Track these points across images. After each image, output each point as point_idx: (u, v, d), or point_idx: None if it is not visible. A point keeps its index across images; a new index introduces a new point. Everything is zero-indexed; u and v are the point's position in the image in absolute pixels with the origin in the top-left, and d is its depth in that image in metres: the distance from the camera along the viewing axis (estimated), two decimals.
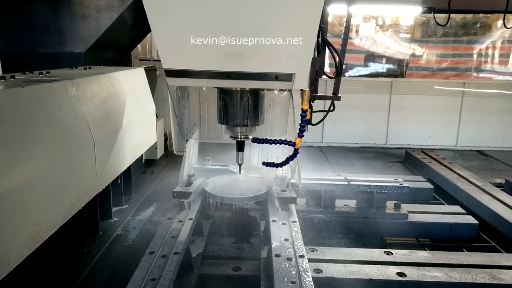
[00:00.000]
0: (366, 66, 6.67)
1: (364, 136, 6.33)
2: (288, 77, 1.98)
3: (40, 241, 1.69)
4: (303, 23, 1.81)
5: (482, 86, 6.30)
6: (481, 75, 6.67)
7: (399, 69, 6.70)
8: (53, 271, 2.32)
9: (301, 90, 2.12)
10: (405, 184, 3.13)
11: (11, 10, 3.56)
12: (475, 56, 6.66)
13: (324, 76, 2.39)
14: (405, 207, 3.23)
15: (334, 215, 3.09)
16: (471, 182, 3.99)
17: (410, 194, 3.32)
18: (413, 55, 6.55)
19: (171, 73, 1.97)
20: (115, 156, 2.63)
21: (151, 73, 4.53)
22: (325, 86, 3.29)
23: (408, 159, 5.31)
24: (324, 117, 2.50)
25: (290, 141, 2.25)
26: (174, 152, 2.38)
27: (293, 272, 1.86)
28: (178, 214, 2.47)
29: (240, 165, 2.69)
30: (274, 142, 2.27)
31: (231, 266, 2.31)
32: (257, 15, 1.84)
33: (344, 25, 2.26)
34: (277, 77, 1.99)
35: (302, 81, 2.04)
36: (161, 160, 4.87)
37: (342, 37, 2.31)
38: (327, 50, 2.26)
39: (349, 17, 2.22)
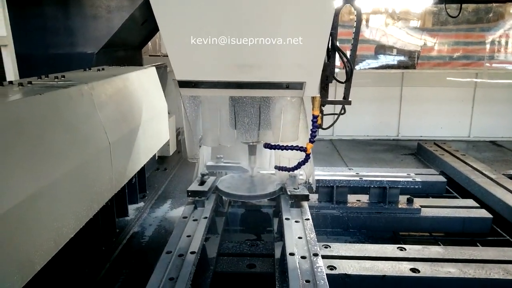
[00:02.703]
0: (376, 58, 6.61)
1: (375, 129, 6.31)
2: (299, 86, 2.00)
3: (61, 244, 1.75)
4: (313, 34, 1.82)
5: (495, 76, 6.20)
6: (494, 64, 6.55)
7: (411, 61, 6.62)
8: (73, 270, 2.39)
9: (312, 96, 2.15)
10: (417, 179, 3.13)
11: (24, 14, 3.62)
12: (488, 45, 6.54)
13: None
14: (418, 202, 3.23)
15: (346, 211, 3.11)
16: (484, 175, 3.96)
17: (423, 188, 3.32)
18: (424, 45, 6.46)
19: (184, 84, 2.00)
20: (130, 157, 2.68)
21: (161, 70, 4.57)
22: (335, 86, 3.28)
23: (420, 151, 5.28)
24: (335, 121, 2.51)
25: (302, 147, 2.28)
26: (188, 159, 2.42)
27: (308, 270, 1.89)
28: (193, 213, 2.52)
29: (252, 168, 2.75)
30: (286, 148, 2.30)
31: (246, 263, 2.36)
32: (268, 27, 1.85)
33: (354, 31, 2.25)
34: (288, 86, 2.02)
35: (313, 89, 2.06)
36: (174, 156, 4.93)
37: (352, 42, 2.30)
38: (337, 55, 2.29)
39: (358, 23, 2.21)
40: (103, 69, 3.05)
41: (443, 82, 6.09)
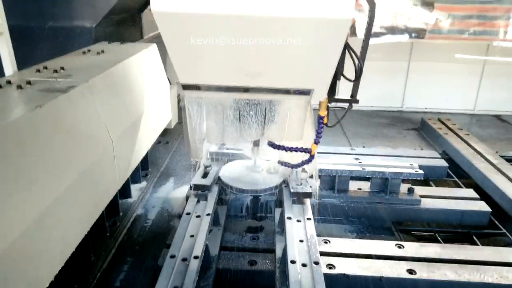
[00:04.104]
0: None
1: (380, 99, 6.20)
2: (307, 92, 1.94)
3: (68, 254, 1.78)
4: (326, 46, 1.72)
5: (507, 52, 5.99)
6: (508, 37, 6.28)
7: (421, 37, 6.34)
8: (78, 257, 2.45)
9: None
10: (420, 171, 3.14)
11: None
12: (503, 18, 6.24)
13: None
14: (418, 190, 3.26)
15: (347, 200, 3.15)
16: (486, 159, 3.96)
17: (424, 172, 3.31)
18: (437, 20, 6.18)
19: (188, 86, 1.94)
20: (133, 148, 2.66)
21: (161, 40, 4.40)
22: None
23: (423, 127, 5.25)
24: (342, 118, 2.46)
25: (307, 148, 2.25)
26: (192, 160, 2.40)
27: (308, 279, 1.95)
28: (196, 207, 2.55)
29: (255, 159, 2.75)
30: (291, 149, 2.27)
31: (247, 259, 2.41)
32: (278, 36, 1.74)
33: (366, 27, 2.14)
34: (295, 92, 1.97)
35: (321, 94, 2.00)
36: (175, 128, 4.89)
37: (364, 39, 2.19)
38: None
39: (371, 19, 2.09)
40: (102, 51, 2.93)
41: (452, 59, 5.91)
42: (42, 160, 1.62)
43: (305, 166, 2.80)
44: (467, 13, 6.29)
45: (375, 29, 6.35)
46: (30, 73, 2.22)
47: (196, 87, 2.04)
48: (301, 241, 2.22)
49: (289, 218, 2.43)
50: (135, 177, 3.53)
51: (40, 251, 1.53)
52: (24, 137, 1.55)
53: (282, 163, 2.66)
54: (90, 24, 3.55)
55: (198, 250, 2.08)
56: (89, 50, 2.94)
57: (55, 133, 1.75)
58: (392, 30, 5.63)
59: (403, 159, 3.86)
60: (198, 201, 2.59)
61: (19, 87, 1.93)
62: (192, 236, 2.23)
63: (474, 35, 6.33)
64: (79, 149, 1.91)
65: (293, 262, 2.04)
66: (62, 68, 2.32)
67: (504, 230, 3.08)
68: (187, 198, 2.82)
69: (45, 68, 2.32)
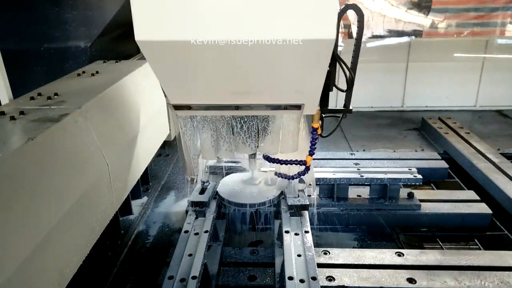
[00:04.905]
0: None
1: (380, 99, 6.18)
2: (298, 107, 1.95)
3: (65, 284, 1.80)
4: (313, 63, 1.73)
5: (505, 48, 5.94)
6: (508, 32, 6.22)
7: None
8: (80, 278, 2.48)
9: None
10: (418, 176, 3.13)
11: (10, 6, 3.46)
12: (500, 10, 6.20)
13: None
14: (418, 194, 3.25)
15: (346, 208, 3.15)
16: (487, 158, 3.94)
17: (424, 175, 3.30)
18: (432, 24, 6.15)
19: (180, 107, 1.97)
20: (131, 167, 2.68)
21: None
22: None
23: (424, 127, 5.23)
24: (336, 128, 2.46)
25: (302, 161, 2.26)
26: (187, 177, 2.42)
27: None
28: (194, 223, 2.57)
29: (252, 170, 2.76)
30: (285, 162, 2.28)
31: (247, 274, 2.43)
32: (265, 56, 1.75)
33: (356, 37, 2.14)
34: (286, 107, 1.99)
35: (312, 108, 2.02)
36: (175, 139, 4.91)
37: (354, 49, 2.20)
38: None
39: (361, 30, 2.09)
40: (97, 72, 2.96)
41: (451, 59, 5.88)
42: (34, 192, 1.64)
43: (305, 179, 2.81)
44: (464, 6, 6.27)
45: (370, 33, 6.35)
46: (24, 101, 2.25)
47: (187, 107, 2.06)
48: (299, 255, 2.23)
49: (287, 232, 2.44)
50: (135, 193, 3.56)
51: (36, 285, 1.56)
52: (16, 171, 1.58)
53: (279, 174, 2.67)
54: (85, 44, 3.58)
55: (196, 270, 2.10)
56: (83, 72, 2.97)
57: (48, 163, 1.78)
58: (390, 33, 5.64)
59: (403, 162, 3.86)
60: (196, 217, 2.61)
61: (12, 118, 1.96)
62: (190, 255, 2.25)
63: (472, 27, 6.31)
64: (73, 177, 1.94)
65: (290, 278, 2.04)
66: (56, 94, 2.34)
67: (506, 232, 3.06)
68: (187, 212, 2.84)
69: (39, 94, 2.35)
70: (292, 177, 2.56)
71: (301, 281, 2.04)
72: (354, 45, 2.21)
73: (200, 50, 1.68)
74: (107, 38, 4.01)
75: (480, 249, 2.97)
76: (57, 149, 1.87)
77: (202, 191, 2.76)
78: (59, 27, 3.53)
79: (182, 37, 1.65)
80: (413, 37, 6.07)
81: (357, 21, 2.12)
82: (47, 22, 3.53)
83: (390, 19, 6.03)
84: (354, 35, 2.21)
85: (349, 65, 2.19)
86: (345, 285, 2.33)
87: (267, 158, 2.46)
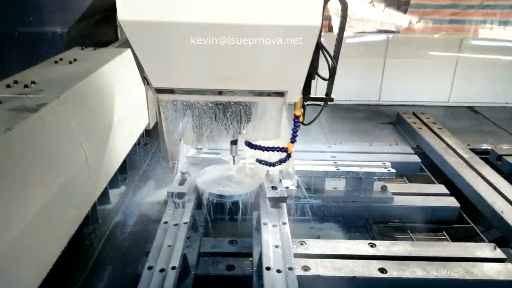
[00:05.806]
0: None
1: (357, 93, 6.29)
2: (281, 94, 2.00)
3: (44, 274, 1.80)
4: (297, 50, 1.76)
5: (478, 48, 6.13)
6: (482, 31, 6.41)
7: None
8: (57, 270, 2.47)
9: None
10: (392, 170, 3.24)
11: None
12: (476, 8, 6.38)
13: None
14: (391, 187, 3.37)
15: (323, 200, 3.23)
16: (457, 154, 4.10)
17: (398, 169, 3.42)
18: (410, 23, 6.27)
19: (162, 90, 1.97)
20: (110, 157, 2.67)
21: None
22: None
23: (399, 121, 5.38)
24: (317, 116, 2.50)
25: (283, 148, 2.32)
26: (169, 162, 2.44)
27: (283, 284, 2.02)
28: (174, 214, 2.59)
29: (233, 157, 2.78)
30: (267, 149, 2.33)
31: (225, 264, 2.48)
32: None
33: (339, 27, 2.17)
34: (269, 94, 2.02)
35: (295, 95, 2.06)
36: (154, 128, 4.88)
37: (337, 38, 2.23)
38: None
39: (344, 19, 2.12)
40: (75, 59, 2.90)
41: (427, 58, 6.05)
42: (13, 183, 1.63)
43: (282, 167, 2.86)
44: (441, 3, 6.41)
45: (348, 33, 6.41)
46: (0, 89, 2.20)
47: (170, 91, 2.06)
48: (276, 246, 2.29)
49: (265, 223, 2.49)
50: (113, 182, 3.53)
51: (16, 274, 1.56)
52: None
53: (260, 161, 2.71)
54: (62, 29, 3.49)
55: (176, 260, 2.13)
56: (61, 59, 2.90)
57: (26, 154, 1.76)
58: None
59: (378, 155, 3.98)
60: (175, 208, 2.63)
61: None
62: (169, 246, 2.27)
63: (449, 24, 6.47)
64: (52, 168, 1.92)
65: (268, 268, 2.10)
66: (33, 82, 2.30)
67: (472, 224, 3.22)
68: (165, 202, 2.85)
69: (16, 82, 2.30)
70: (274, 164, 2.61)
71: (278, 271, 2.10)
72: (337, 34, 2.25)
73: (183, 31, 1.69)
74: (84, 24, 3.92)
75: (448, 240, 3.12)
76: (35, 140, 1.85)
77: (181, 182, 2.77)
78: (35, 11, 3.44)
79: (165, 18, 1.65)
80: (390, 35, 6.18)
81: (341, 10, 2.16)
82: (22, 6, 3.43)
83: (369, 19, 6.12)
84: (334, 27, 2.25)
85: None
86: (320, 274, 2.42)
87: (249, 145, 2.49)
